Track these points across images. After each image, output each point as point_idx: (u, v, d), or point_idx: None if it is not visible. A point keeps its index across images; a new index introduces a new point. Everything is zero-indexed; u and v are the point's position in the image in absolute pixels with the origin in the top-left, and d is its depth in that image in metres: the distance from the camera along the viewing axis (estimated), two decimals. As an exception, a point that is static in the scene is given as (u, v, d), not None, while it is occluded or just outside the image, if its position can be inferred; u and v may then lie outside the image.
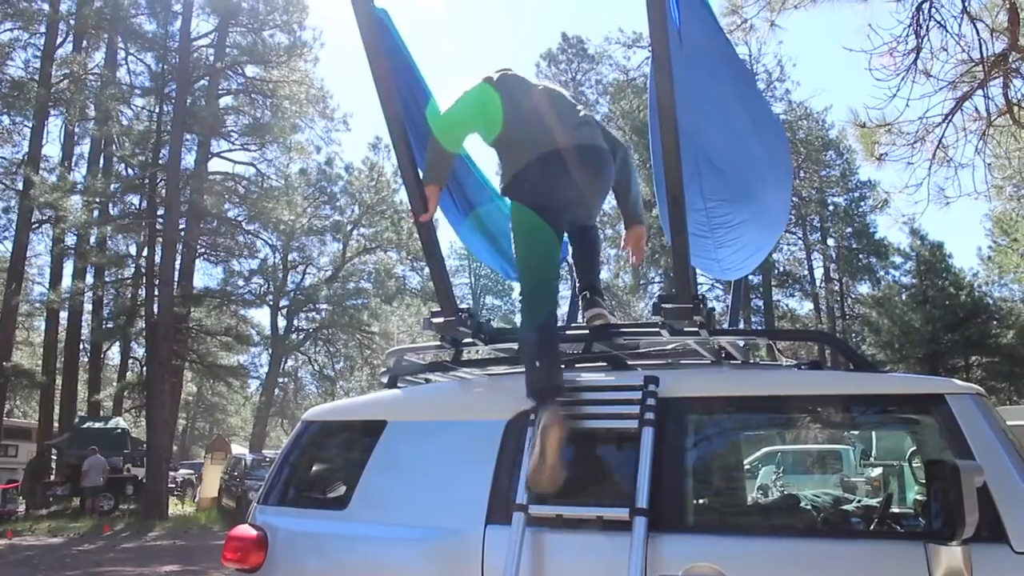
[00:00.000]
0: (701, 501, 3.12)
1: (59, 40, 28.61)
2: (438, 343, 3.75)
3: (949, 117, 8.31)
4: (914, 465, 5.06)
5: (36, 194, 23.04)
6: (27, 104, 27.31)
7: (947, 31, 7.89)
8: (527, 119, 3.68)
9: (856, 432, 7.71)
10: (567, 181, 3.57)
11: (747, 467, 6.97)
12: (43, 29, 27.86)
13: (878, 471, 8.17)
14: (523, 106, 3.70)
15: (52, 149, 31.35)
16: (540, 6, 74.40)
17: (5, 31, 27.91)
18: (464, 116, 3.66)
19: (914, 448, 4.78)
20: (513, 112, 3.68)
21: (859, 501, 4.49)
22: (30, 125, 28.28)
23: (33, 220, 27.73)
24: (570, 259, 4.23)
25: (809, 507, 3.80)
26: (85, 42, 28.88)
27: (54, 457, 26.24)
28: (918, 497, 4.18)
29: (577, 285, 4.10)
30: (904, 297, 34.49)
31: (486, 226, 4.29)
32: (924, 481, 2.54)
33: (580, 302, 4.00)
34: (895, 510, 4.15)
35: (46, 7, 26.91)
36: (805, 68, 49.80)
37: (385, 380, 3.79)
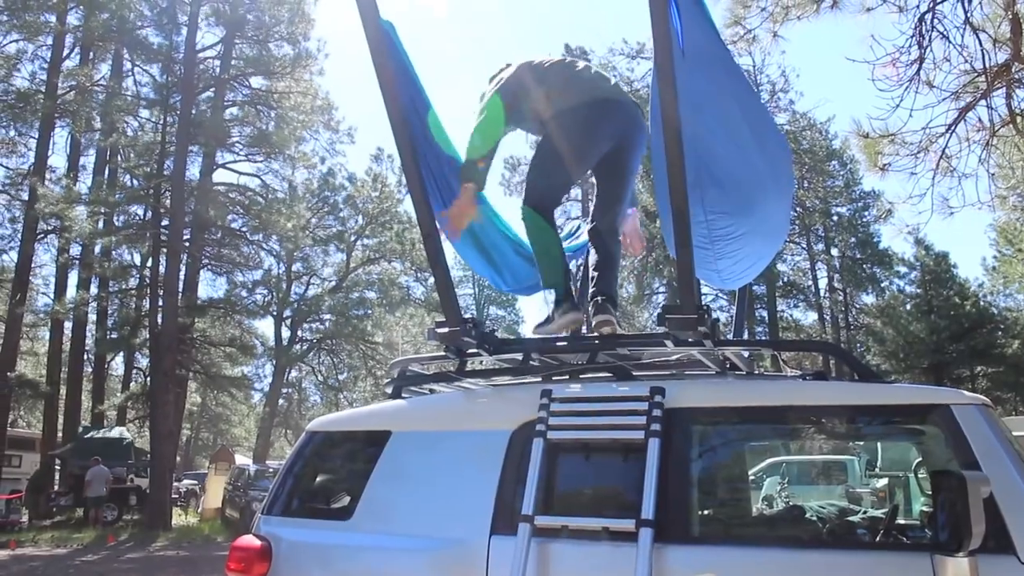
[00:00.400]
0: (706, 512, 3.11)
1: (65, 52, 28.74)
2: (442, 353, 3.75)
3: (952, 127, 8.31)
4: (920, 476, 5.06)
5: (42, 205, 23.12)
6: (33, 115, 27.41)
7: (950, 42, 7.90)
8: (529, 122, 4.22)
9: (861, 443, 7.69)
10: (567, 177, 4.16)
11: (752, 478, 6.96)
12: (49, 41, 27.99)
13: (883, 482, 8.14)
14: (523, 107, 4.14)
15: (58, 160, 31.53)
16: (543, 16, 74.67)
17: (11, 42, 28.06)
18: (488, 134, 4.05)
19: (920, 459, 4.77)
20: (514, 118, 4.17)
21: (865, 512, 4.48)
22: (35, 136, 28.40)
23: (38, 230, 27.79)
24: (590, 265, 4.24)
25: (814, 518, 3.80)
26: (92, 54, 28.99)
27: (58, 468, 26.22)
28: (924, 508, 4.17)
29: (590, 289, 4.12)
30: (909, 307, 34.46)
31: (478, 238, 4.32)
32: (930, 492, 2.53)
33: (591, 307, 4.01)
34: (901, 521, 4.14)
35: (52, 19, 27.02)
36: (808, 79, 49.88)
37: (389, 390, 3.79)
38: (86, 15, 25.17)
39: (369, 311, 32.94)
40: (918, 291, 34.60)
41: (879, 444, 7.94)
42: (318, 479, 3.80)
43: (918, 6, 7.89)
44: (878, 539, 3.27)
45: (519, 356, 3.66)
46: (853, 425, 3.13)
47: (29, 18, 26.46)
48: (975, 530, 2.24)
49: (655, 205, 24.11)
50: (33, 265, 28.75)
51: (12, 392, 25.63)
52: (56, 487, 25.26)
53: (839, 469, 11.27)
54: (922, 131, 8.33)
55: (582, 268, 4.56)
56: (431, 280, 29.10)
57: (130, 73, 28.92)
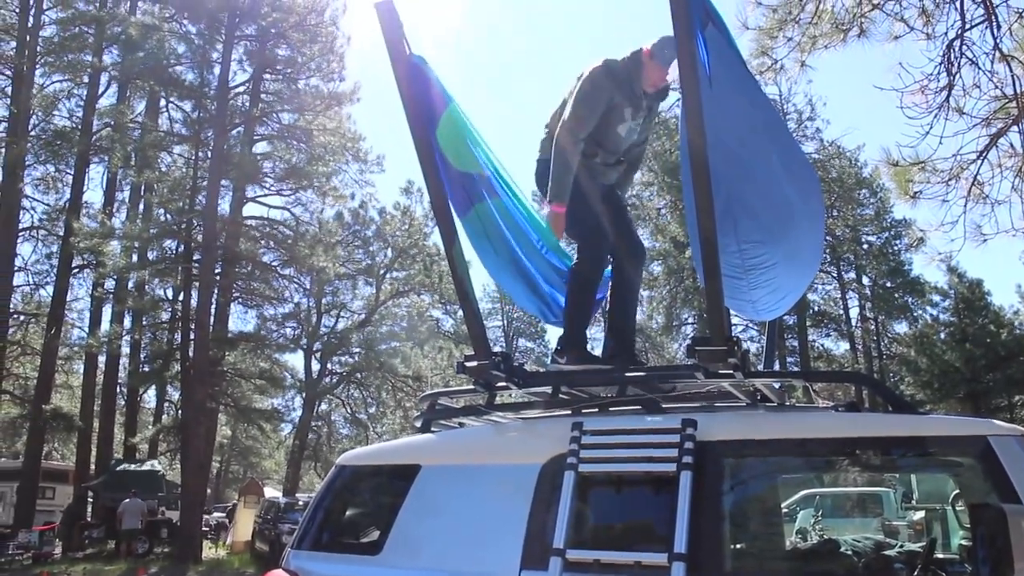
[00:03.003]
0: (739, 546, 3.07)
1: (101, 90, 29.36)
2: (472, 387, 3.74)
3: (984, 154, 8.22)
4: (958, 508, 4.96)
5: (77, 239, 23.51)
6: (70, 152, 27.97)
7: (979, 68, 7.84)
8: None
9: (896, 475, 7.58)
10: None
11: (785, 510, 6.86)
12: (86, 79, 28.62)
13: (920, 515, 8.00)
14: None
15: (94, 196, 32.13)
16: (569, 48, 75.16)
17: (52, 83, 28.73)
18: None
19: (957, 491, 4.68)
20: None
21: (901, 546, 4.40)
22: (72, 173, 28.95)
23: (73, 265, 28.25)
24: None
25: (849, 552, 3.73)
26: (128, 91, 29.58)
27: (90, 500, 26.44)
28: (963, 542, 4.09)
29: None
30: (943, 336, 33.96)
31: (526, 269, 4.21)
32: (969, 525, 2.48)
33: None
34: (939, 555, 4.05)
35: (90, 58, 27.66)
36: (836, 107, 49.71)
37: (418, 424, 3.79)
38: (122, 54, 25.76)
39: (398, 344, 33.00)
40: (952, 319, 34.10)
41: (914, 476, 7.82)
42: (348, 513, 3.80)
43: (946, 33, 7.86)
44: (916, 574, 3.20)
45: (548, 389, 3.64)
46: (887, 457, 3.09)
47: (70, 59, 27.14)
48: (1017, 565, 2.19)
49: (686, 235, 24.03)
50: (68, 299, 29.22)
51: (47, 424, 25.92)
52: (89, 519, 25.43)
53: (874, 502, 11.11)
54: (953, 158, 8.25)
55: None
56: (460, 313, 29.14)
57: (164, 109, 29.48)
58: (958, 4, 7.66)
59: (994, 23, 7.56)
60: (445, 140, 3.76)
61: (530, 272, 4.26)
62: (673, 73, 4.12)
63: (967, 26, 7.70)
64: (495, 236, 4.06)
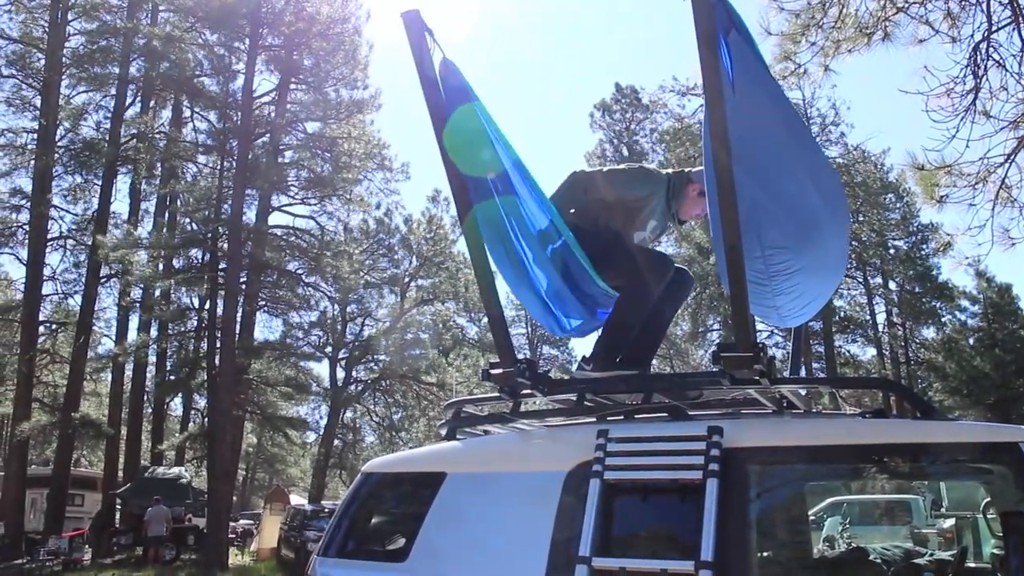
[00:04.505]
0: (766, 554, 3.05)
1: (128, 101, 29.68)
2: (497, 394, 3.74)
3: (1012, 157, 8.13)
4: (989, 516, 4.90)
5: (104, 249, 23.76)
6: (98, 163, 28.29)
7: (1006, 70, 7.76)
8: None
9: (925, 482, 7.49)
10: None
11: (812, 518, 6.79)
12: (113, 91, 28.95)
13: (950, 522, 7.91)
14: None
15: (121, 206, 32.35)
16: (591, 53, 75.18)
17: (79, 94, 29.10)
18: None
19: (988, 499, 4.62)
20: None
21: (931, 554, 4.35)
22: (99, 183, 29.28)
23: (102, 274, 28.53)
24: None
25: (878, 560, 3.70)
26: (153, 101, 29.88)
27: (119, 507, 26.69)
28: (995, 551, 4.05)
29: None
30: (972, 341, 33.55)
31: (534, 283, 4.01)
32: (1001, 534, 2.45)
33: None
34: (971, 564, 4.02)
35: (116, 70, 27.98)
36: (860, 111, 49.29)
37: (444, 432, 3.79)
38: (147, 65, 26.05)
39: (423, 352, 33.09)
40: (981, 324, 33.68)
41: (944, 484, 7.72)
42: (373, 521, 3.81)
43: (972, 36, 7.80)
44: (947, 583, 3.17)
45: (574, 396, 3.64)
46: (916, 464, 3.06)
47: (97, 71, 27.46)
48: (1050, 574, 2.17)
49: (710, 241, 23.97)
50: (96, 308, 29.48)
51: (76, 432, 26.19)
52: (117, 526, 25.67)
53: (903, 509, 10.97)
54: (980, 161, 8.16)
55: None
56: (485, 320, 29.16)
57: (189, 120, 29.76)
58: (984, 6, 7.60)
59: (1021, 25, 7.49)
60: (451, 143, 3.58)
61: (537, 282, 4.13)
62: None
63: (994, 28, 7.64)
64: (504, 236, 3.82)
